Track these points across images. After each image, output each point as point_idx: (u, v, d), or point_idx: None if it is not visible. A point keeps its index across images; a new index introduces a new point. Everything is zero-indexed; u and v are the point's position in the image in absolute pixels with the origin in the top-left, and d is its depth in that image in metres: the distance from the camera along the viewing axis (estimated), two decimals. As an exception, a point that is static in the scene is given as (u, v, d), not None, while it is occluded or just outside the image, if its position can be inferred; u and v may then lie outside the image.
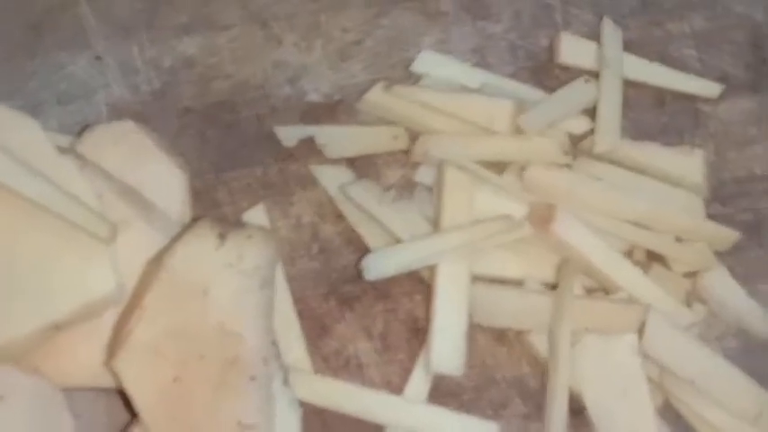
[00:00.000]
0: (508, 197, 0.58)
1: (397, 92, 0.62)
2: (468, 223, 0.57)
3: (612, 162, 0.61)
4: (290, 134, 0.62)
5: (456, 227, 0.57)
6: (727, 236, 0.60)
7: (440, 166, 0.59)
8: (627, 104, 0.63)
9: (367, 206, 0.59)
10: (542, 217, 0.57)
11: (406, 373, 0.57)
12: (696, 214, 0.60)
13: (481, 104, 0.60)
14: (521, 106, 0.60)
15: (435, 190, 0.60)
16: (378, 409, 0.55)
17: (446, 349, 0.55)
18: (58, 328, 0.52)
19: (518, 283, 0.58)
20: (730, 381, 0.55)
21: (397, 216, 0.59)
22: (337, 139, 0.62)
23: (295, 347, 0.57)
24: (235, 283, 0.53)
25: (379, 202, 0.59)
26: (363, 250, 0.59)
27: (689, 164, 0.60)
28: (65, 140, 0.59)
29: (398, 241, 0.58)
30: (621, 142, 0.60)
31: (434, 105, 0.61)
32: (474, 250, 0.57)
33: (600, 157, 0.60)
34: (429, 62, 0.64)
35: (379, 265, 0.56)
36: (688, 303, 0.58)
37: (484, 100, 0.61)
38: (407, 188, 0.61)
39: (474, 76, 0.63)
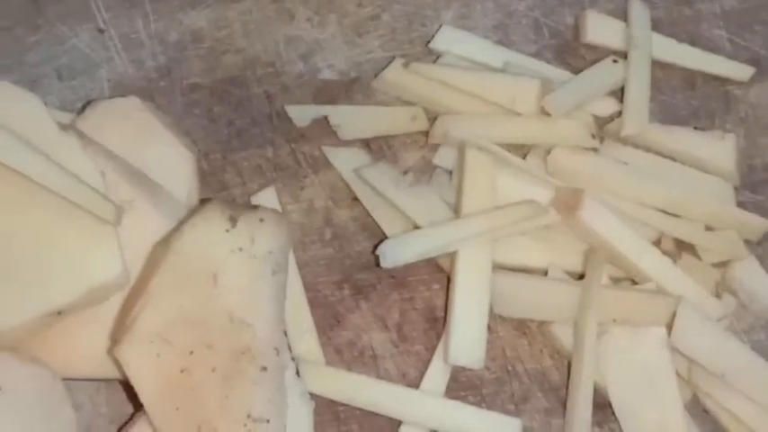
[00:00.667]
0: (532, 181, 0.56)
1: (416, 69, 0.59)
2: (490, 208, 0.54)
3: (640, 146, 0.58)
4: (302, 114, 0.59)
5: (477, 212, 0.54)
6: (758, 224, 0.57)
7: (460, 148, 0.56)
8: (655, 87, 0.60)
9: (383, 190, 0.56)
10: (568, 203, 0.54)
11: (424, 365, 0.54)
12: (726, 202, 0.58)
13: (504, 84, 0.58)
14: (546, 87, 0.57)
15: (456, 173, 0.57)
16: (393, 403, 0.52)
17: (465, 341, 0.52)
18: (59, 314, 0.49)
19: (541, 273, 0.55)
20: (761, 375, 0.53)
21: (414, 201, 0.56)
22: (352, 119, 0.59)
23: (306, 338, 0.54)
24: (246, 268, 0.50)
25: (397, 186, 0.56)
26: (379, 236, 0.57)
27: (720, 149, 0.58)
28: (66, 117, 0.56)
29: (416, 227, 0.55)
30: (650, 126, 0.58)
31: (455, 84, 0.58)
32: (496, 237, 0.54)
33: (627, 141, 0.58)
34: (449, 39, 0.61)
35: (396, 252, 0.53)
36: (718, 294, 0.56)
37: (507, 79, 0.58)
38: (426, 171, 0.58)
39: (496, 54, 0.60)
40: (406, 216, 0.56)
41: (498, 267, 0.54)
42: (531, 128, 0.57)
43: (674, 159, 0.58)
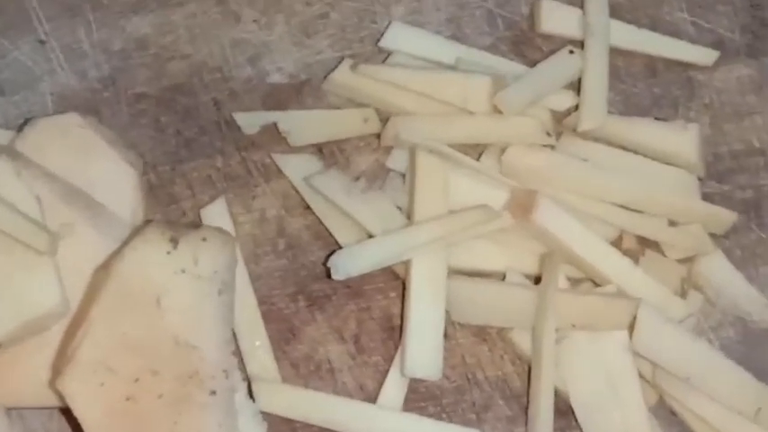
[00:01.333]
0: (486, 183, 0.54)
1: (365, 70, 0.57)
2: (444, 213, 0.53)
3: (599, 140, 0.56)
4: (251, 121, 0.58)
5: (430, 219, 0.53)
6: (724, 217, 0.55)
7: (411, 151, 0.55)
8: (615, 76, 0.58)
9: (334, 198, 0.55)
10: (523, 205, 0.52)
11: (382, 376, 0.53)
12: (691, 194, 0.56)
13: (455, 82, 0.55)
14: (498, 82, 0.55)
15: (408, 177, 0.55)
16: (349, 420, 0.51)
17: (422, 352, 0.51)
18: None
19: (499, 276, 0.54)
20: (727, 376, 0.51)
21: (367, 208, 0.54)
22: (302, 124, 0.57)
23: (260, 354, 0.53)
24: (190, 289, 0.49)
25: (348, 194, 0.55)
26: (333, 245, 0.55)
27: (682, 140, 0.56)
28: (7, 136, 0.55)
29: (370, 235, 0.54)
30: (609, 118, 0.56)
31: (405, 84, 0.56)
32: (449, 243, 0.52)
33: (585, 136, 0.56)
34: (399, 36, 0.58)
35: (348, 264, 0.51)
36: (683, 291, 0.54)
37: (458, 77, 0.56)
38: (380, 176, 0.57)
39: (448, 50, 0.58)
40: (358, 224, 0.54)
41: (455, 272, 0.53)
42: (483, 127, 0.55)
43: (634, 152, 0.56)
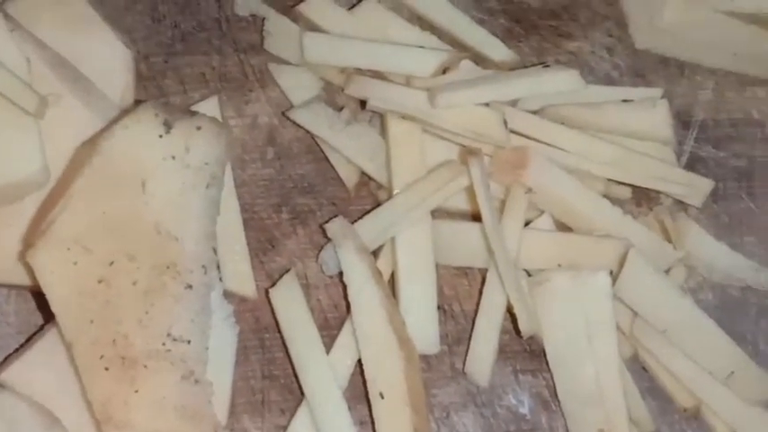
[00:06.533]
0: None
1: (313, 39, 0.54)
2: (419, 181, 0.51)
3: (573, 127, 0.53)
4: (248, 2, 0.55)
5: (408, 187, 0.51)
6: (702, 185, 0.54)
7: (384, 118, 0.53)
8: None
9: (317, 132, 0.53)
10: (512, 162, 0.52)
11: (359, 297, 0.52)
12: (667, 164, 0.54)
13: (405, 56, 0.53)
14: (453, 60, 0.53)
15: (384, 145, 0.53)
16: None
17: (418, 329, 0.50)
18: (-32, 210, 0.45)
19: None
20: (706, 335, 0.51)
21: (351, 141, 0.53)
22: (285, 35, 0.55)
23: (237, 260, 0.51)
24: (178, 178, 0.47)
25: (331, 127, 0.53)
26: (323, 159, 0.54)
27: (653, 118, 0.54)
28: (-6, -1, 0.52)
29: (354, 163, 0.53)
30: (578, 108, 0.54)
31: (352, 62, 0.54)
32: (429, 209, 0.51)
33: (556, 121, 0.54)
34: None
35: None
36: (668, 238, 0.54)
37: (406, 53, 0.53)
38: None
39: (441, 10, 0.56)
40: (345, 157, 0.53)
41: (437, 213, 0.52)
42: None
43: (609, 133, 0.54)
